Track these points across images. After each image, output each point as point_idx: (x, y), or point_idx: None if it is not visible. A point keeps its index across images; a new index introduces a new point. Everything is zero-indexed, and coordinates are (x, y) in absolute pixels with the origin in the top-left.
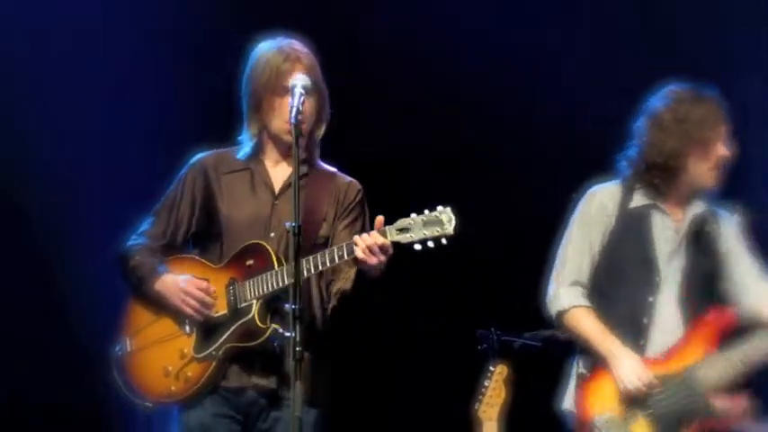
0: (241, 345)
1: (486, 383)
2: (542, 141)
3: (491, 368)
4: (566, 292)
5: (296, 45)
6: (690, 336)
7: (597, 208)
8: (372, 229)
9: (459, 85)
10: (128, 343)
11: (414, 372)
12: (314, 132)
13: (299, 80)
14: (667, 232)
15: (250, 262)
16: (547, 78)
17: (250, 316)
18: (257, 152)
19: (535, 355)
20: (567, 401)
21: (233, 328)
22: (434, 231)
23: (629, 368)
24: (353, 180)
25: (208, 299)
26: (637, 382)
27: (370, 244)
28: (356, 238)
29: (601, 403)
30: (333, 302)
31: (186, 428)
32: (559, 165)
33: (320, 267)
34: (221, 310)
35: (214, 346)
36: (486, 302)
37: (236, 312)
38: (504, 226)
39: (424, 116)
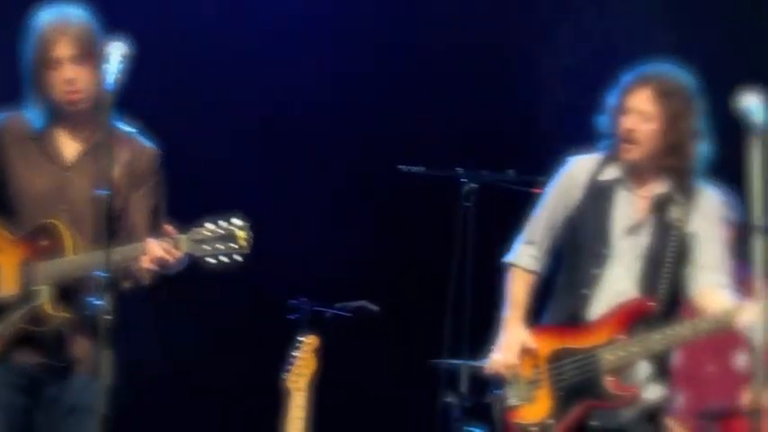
0: (30, 328)
1: (295, 354)
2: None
3: (301, 338)
4: (517, 248)
5: (68, 14)
6: (606, 316)
7: (567, 177)
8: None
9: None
10: None
11: (223, 341)
12: (98, 101)
13: (114, 47)
14: (628, 208)
15: (44, 242)
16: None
17: (40, 301)
18: (47, 121)
19: (346, 326)
20: None
21: (23, 310)
22: (230, 247)
23: (502, 349)
24: (151, 146)
25: None
26: (494, 367)
27: (159, 256)
28: (147, 245)
29: (521, 360)
30: (124, 284)
31: None
32: (368, 140)
33: (109, 265)
34: (13, 289)
35: (2, 326)
36: (297, 272)
37: (27, 295)
38: (318, 197)
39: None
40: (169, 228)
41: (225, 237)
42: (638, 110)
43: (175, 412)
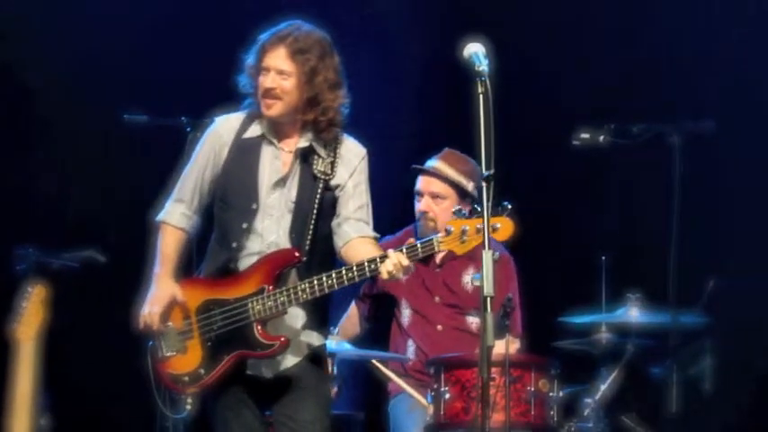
0: None
1: (23, 304)
2: None
3: (29, 288)
4: (167, 207)
5: None
6: (254, 267)
7: (213, 137)
8: None
9: None
10: None
11: None
12: None
13: None
14: (275, 163)
15: None
16: None
17: None
18: None
19: (74, 276)
20: None
21: None
22: None
23: (150, 302)
24: None
25: None
26: (143, 321)
27: None
28: None
29: (171, 312)
30: None
31: None
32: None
33: None
34: None
35: None
36: (24, 220)
37: None
38: (47, 146)
39: None
40: None
41: None
42: (276, 68)
43: None
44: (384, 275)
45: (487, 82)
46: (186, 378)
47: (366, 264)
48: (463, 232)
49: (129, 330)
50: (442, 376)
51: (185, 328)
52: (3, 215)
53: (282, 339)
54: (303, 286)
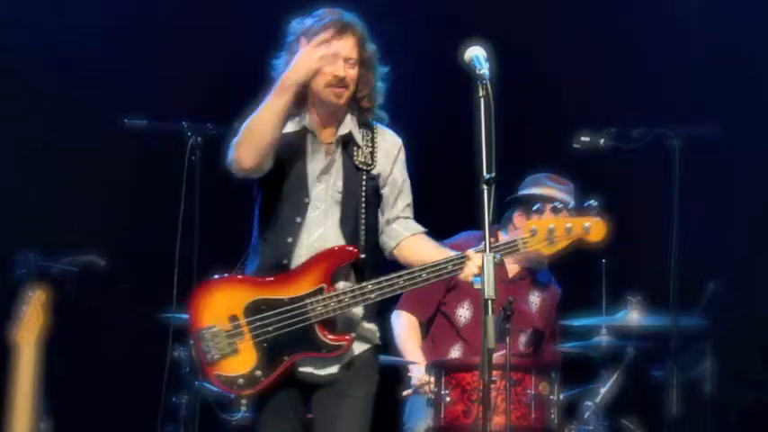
0: None
1: (24, 308)
2: None
3: (29, 293)
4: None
5: None
6: (309, 264)
7: None
8: None
9: None
10: None
11: None
12: None
13: None
14: (318, 154)
15: None
16: None
17: None
18: None
19: (73, 281)
20: None
21: None
22: None
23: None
24: None
25: None
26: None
27: None
28: None
29: (209, 315)
30: None
31: None
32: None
33: None
34: None
35: None
36: (20, 227)
37: None
38: (43, 151)
39: None
40: None
41: None
42: (346, 56)
43: None
44: (467, 278)
45: (488, 85)
46: (241, 380)
47: (444, 264)
48: (550, 232)
49: (128, 334)
50: (443, 379)
51: (234, 330)
52: (2, 220)
53: (348, 338)
54: (371, 287)
